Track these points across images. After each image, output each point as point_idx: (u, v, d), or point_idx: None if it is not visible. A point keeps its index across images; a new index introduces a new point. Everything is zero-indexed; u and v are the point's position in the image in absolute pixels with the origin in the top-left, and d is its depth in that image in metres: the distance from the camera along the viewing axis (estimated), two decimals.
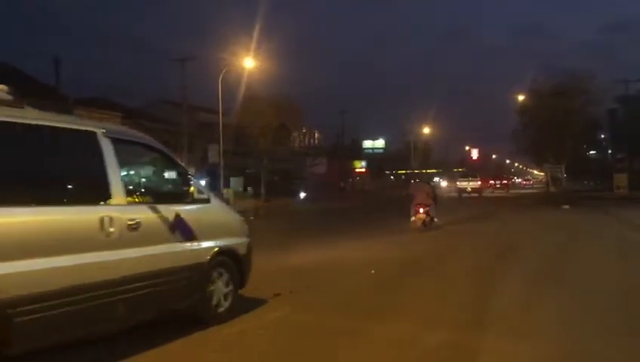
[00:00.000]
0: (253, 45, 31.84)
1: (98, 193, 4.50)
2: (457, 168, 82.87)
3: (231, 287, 5.87)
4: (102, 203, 4.48)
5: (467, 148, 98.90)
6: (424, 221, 15.46)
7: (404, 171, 77.49)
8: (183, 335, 5.25)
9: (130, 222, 4.60)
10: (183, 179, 5.60)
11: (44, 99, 29.49)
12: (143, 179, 5.39)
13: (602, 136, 57.89)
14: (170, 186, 5.57)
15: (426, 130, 71.71)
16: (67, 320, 4.07)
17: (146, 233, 4.77)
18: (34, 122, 4.18)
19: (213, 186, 40.36)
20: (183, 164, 5.81)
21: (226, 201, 31.10)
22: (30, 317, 3.76)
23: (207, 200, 5.78)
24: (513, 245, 12.01)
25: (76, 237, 4.19)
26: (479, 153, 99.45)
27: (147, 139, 5.44)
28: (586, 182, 59.41)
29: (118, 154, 4.68)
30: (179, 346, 5.02)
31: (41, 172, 4.26)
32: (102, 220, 4.36)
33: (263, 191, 38.91)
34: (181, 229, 5.23)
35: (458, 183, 47.16)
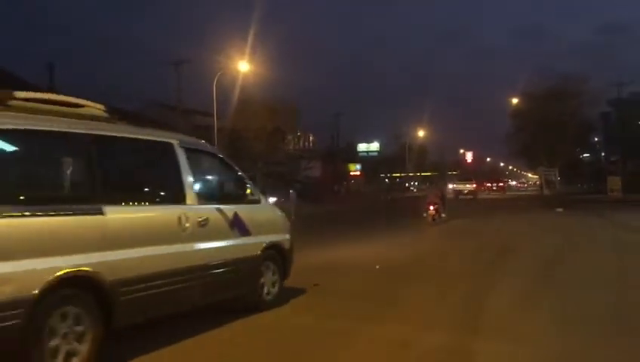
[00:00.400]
0: (248, 48, 31.86)
1: (176, 195, 5.37)
2: (452, 171, 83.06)
3: (277, 278, 6.67)
4: (179, 203, 5.32)
5: (462, 151, 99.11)
6: (434, 216, 18.77)
7: (398, 174, 77.57)
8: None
9: (199, 219, 5.43)
10: (240, 182, 6.51)
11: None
12: (209, 183, 6.20)
13: (596, 139, 58.14)
14: (229, 188, 6.37)
15: (421, 133, 71.86)
16: (155, 300, 4.88)
17: (212, 229, 5.60)
18: (124, 135, 5.09)
19: None
20: (238, 169, 6.54)
21: None
22: (130, 296, 4.57)
23: (258, 201, 6.64)
24: (512, 246, 12.13)
25: (161, 231, 5.07)
26: (474, 156, 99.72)
27: (212, 148, 6.43)
28: (579, 185, 59.64)
29: (190, 161, 5.54)
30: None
31: (133, 176, 5.29)
32: (179, 217, 5.19)
33: None
34: (238, 226, 6.06)
35: (455, 186, 49.63)
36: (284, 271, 6.82)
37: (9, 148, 4.10)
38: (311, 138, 64.65)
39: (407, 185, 78.55)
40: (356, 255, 11.19)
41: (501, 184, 72.50)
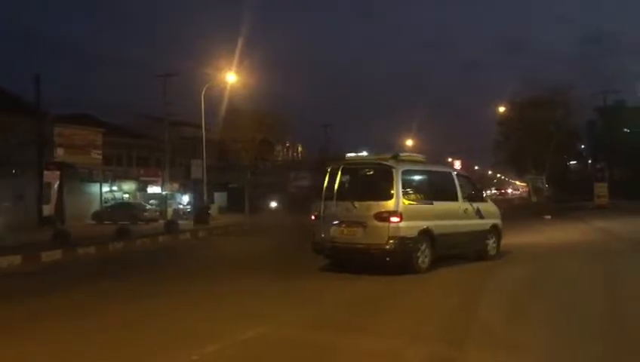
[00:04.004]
0: (236, 60, 31.81)
1: (455, 197, 10.86)
2: None
3: (495, 243, 11.79)
4: (455, 201, 10.84)
5: (450, 159, 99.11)
6: None
7: None
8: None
9: (465, 209, 11.00)
10: (479, 190, 12.60)
11: (24, 115, 29.08)
12: (465, 191, 11.20)
13: (582, 146, 58.64)
14: (474, 194, 11.75)
15: (410, 143, 72.04)
16: (449, 245, 10.37)
17: (468, 214, 11.05)
18: (430, 168, 11.24)
19: (196, 202, 39.96)
20: (477, 183, 13.46)
21: (209, 217, 30.73)
22: (440, 241, 9.99)
23: (486, 201, 12.39)
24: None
25: (451, 213, 10.60)
26: (462, 164, 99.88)
27: (464, 173, 12.62)
28: (567, 192, 60.10)
29: (458, 180, 11.16)
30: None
31: (435, 189, 10.67)
32: (458, 207, 10.85)
33: (247, 206, 38.72)
34: (479, 214, 11.35)
35: None
36: (498, 240, 11.86)
37: (407, 177, 9.99)
38: (299, 149, 64.61)
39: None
40: None
41: (503, 191, 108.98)
